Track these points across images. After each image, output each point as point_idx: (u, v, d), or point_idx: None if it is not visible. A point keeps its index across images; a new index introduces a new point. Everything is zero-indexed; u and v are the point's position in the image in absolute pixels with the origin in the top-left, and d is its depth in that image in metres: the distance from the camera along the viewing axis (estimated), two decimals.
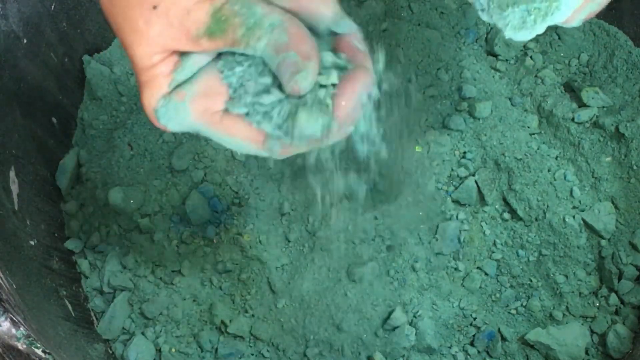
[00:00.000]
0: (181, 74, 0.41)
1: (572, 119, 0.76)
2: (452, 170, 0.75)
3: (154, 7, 0.39)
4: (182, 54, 0.41)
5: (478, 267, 0.73)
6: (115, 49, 0.85)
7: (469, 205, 0.75)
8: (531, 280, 0.72)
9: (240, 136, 0.42)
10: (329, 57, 0.42)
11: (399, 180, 0.75)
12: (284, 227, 0.75)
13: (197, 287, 0.74)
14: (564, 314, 0.71)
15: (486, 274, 0.72)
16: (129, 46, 0.41)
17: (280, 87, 0.41)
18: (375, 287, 0.71)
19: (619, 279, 0.70)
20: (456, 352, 0.70)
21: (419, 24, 0.82)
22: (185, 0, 0.39)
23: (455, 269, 0.73)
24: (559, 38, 0.82)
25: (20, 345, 0.53)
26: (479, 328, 0.71)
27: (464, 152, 0.76)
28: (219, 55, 0.42)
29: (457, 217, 0.74)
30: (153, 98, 0.42)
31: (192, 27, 0.40)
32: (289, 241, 0.74)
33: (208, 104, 0.42)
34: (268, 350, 0.71)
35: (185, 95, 0.41)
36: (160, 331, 0.72)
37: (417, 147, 0.73)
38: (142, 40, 0.40)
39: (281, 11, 0.40)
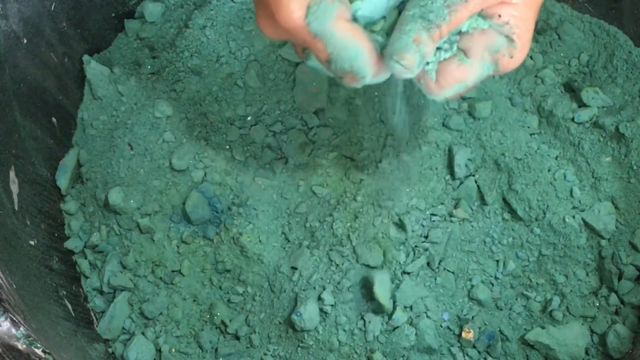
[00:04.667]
0: None
1: (572, 119, 0.76)
2: (452, 170, 0.75)
3: None
4: None
5: (480, 267, 0.73)
6: (115, 49, 0.85)
7: (469, 205, 0.74)
8: (531, 280, 0.72)
9: (363, 43, 0.48)
10: None
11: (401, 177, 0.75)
12: (284, 227, 0.75)
13: (197, 287, 0.74)
14: (564, 314, 0.71)
15: (487, 274, 0.72)
16: None
17: None
18: (375, 287, 0.71)
19: (619, 279, 0.70)
20: (456, 352, 0.70)
21: None
22: None
23: (456, 268, 0.73)
24: (559, 38, 0.82)
25: (20, 345, 0.53)
26: (479, 328, 0.71)
27: None
28: None
29: (457, 217, 0.74)
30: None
31: None
32: (288, 241, 0.74)
33: (344, 10, 0.48)
34: (268, 350, 0.71)
35: (333, 0, 0.48)
36: (160, 331, 0.72)
37: None
38: None
39: None
